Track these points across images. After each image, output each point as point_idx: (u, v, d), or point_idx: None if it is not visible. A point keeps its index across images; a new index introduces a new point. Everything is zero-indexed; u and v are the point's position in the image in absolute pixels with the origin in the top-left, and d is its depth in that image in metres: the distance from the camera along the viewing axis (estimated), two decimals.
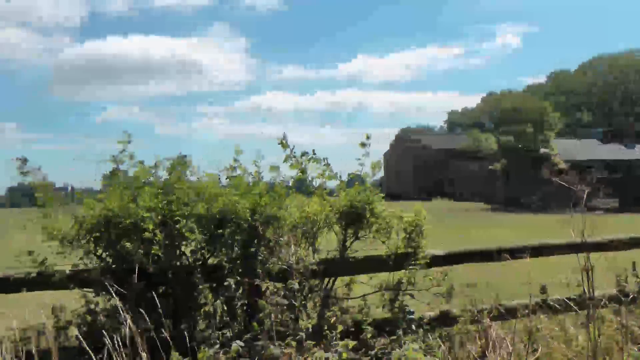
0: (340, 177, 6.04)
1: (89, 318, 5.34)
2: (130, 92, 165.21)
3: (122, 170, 5.69)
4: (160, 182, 5.67)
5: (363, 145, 5.94)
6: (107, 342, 4.58)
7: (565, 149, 54.97)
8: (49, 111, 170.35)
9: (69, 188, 5.91)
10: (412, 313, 5.81)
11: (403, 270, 6.01)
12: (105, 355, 4.56)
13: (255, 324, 5.02)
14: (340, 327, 5.23)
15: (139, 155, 5.71)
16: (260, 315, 5.06)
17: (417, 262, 5.97)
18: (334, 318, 5.43)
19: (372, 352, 5.35)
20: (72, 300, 5.44)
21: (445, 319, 6.10)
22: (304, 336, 4.94)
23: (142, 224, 5.28)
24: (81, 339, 4.98)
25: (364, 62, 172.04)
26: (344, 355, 4.72)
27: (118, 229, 5.33)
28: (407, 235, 6.06)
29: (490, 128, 74.94)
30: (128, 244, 5.27)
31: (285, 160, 5.92)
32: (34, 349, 4.92)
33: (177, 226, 5.38)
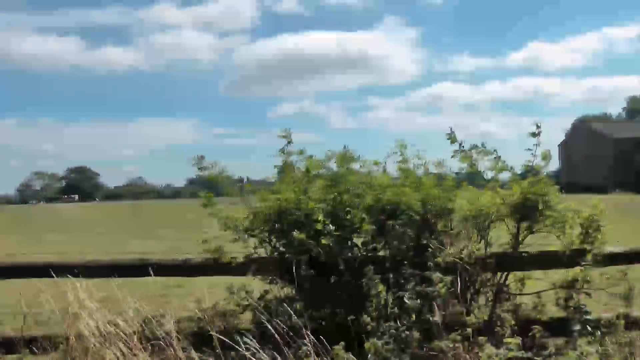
0: (512, 168, 5.85)
1: (262, 304, 5.55)
2: (304, 88, 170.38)
3: (293, 163, 5.87)
4: (330, 174, 5.79)
5: (534, 135, 5.69)
6: (277, 327, 4.75)
7: None
8: (227, 107, 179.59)
9: (245, 180, 6.19)
10: (589, 313, 5.48)
11: (578, 268, 5.70)
12: (276, 339, 4.73)
13: (409, 316, 5.01)
14: (509, 323, 5.09)
15: (312, 148, 5.88)
16: (413, 303, 5.04)
17: (593, 258, 5.63)
18: (506, 314, 5.27)
19: (545, 352, 5.12)
20: (246, 286, 5.69)
21: (625, 323, 5.69)
22: (472, 331, 4.85)
23: (312, 215, 5.43)
24: (252, 323, 5.23)
25: (536, 49, 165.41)
26: (510, 354, 4.57)
27: (290, 219, 5.51)
28: (584, 231, 5.74)
29: None
30: (300, 234, 5.41)
31: (453, 155, 5.83)
32: (208, 329, 5.23)
33: (348, 217, 5.47)
